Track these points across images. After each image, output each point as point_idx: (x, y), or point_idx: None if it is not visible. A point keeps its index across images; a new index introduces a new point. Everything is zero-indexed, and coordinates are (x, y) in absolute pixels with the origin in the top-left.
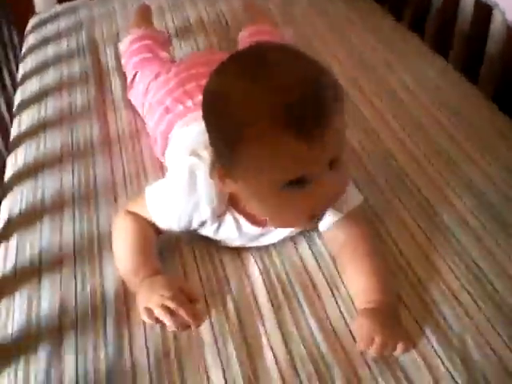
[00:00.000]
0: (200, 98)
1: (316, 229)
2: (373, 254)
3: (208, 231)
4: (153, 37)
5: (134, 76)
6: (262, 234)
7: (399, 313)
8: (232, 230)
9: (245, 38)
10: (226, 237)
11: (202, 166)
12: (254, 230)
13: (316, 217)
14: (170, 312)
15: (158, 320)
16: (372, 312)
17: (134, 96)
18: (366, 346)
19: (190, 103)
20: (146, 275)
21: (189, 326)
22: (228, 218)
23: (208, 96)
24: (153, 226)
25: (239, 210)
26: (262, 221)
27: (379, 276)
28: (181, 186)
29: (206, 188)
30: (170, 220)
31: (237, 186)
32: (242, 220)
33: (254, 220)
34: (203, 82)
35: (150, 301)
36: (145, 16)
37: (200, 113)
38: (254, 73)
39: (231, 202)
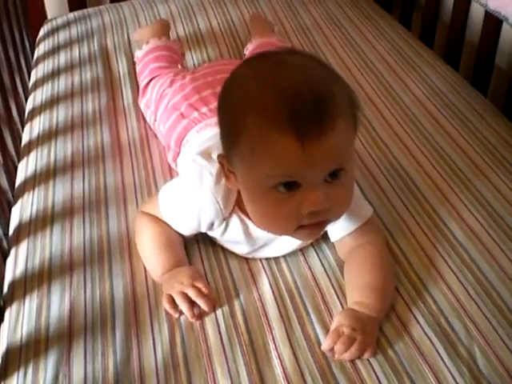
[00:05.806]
0: (215, 104)
1: (326, 239)
2: (380, 260)
3: (216, 233)
4: (171, 48)
5: (148, 83)
6: (269, 240)
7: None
8: (238, 232)
9: (252, 50)
10: (232, 239)
11: (210, 167)
12: (260, 232)
13: (307, 228)
14: (189, 300)
15: (176, 310)
16: (357, 314)
17: (145, 103)
18: (344, 346)
19: (205, 109)
20: (171, 267)
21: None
22: (234, 220)
23: (221, 91)
24: None
25: (246, 211)
26: None
27: (380, 281)
28: (189, 187)
29: (211, 189)
30: (180, 222)
31: (238, 182)
32: (248, 221)
33: None
34: (219, 89)
35: (172, 288)
36: (162, 30)
37: (214, 119)
38: (263, 72)
39: (238, 204)
